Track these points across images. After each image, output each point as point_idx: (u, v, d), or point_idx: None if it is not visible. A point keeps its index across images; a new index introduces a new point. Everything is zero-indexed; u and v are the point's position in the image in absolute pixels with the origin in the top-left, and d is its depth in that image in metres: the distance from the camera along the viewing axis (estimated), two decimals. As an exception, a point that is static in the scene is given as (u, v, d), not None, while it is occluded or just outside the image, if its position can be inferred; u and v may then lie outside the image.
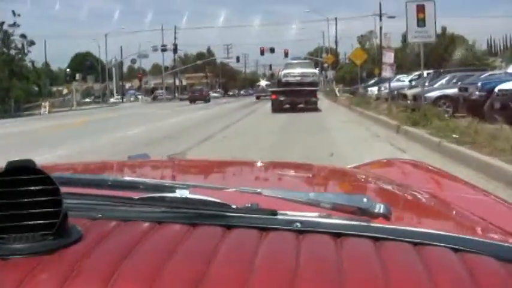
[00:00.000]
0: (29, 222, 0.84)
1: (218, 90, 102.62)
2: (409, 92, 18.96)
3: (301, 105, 27.14)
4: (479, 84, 13.78)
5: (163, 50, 68.41)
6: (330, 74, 52.28)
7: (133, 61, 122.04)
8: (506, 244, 0.94)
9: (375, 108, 20.71)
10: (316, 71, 31.28)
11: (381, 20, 46.53)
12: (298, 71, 29.30)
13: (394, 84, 22.75)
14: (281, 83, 29.35)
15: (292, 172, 2.05)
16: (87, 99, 77.32)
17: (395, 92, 20.80)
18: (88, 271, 0.80)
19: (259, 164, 2.19)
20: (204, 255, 0.83)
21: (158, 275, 0.78)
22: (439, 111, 13.75)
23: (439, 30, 61.69)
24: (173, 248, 0.86)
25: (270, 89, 36.85)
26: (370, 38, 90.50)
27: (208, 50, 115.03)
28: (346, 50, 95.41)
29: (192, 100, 54.37)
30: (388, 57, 18.64)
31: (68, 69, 78.44)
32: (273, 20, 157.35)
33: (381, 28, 44.12)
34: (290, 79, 28.86)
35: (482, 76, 16.28)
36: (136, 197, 1.05)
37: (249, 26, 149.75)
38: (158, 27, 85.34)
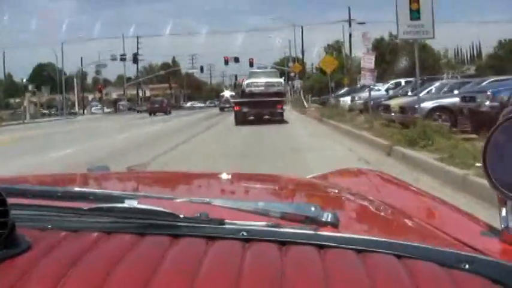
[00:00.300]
0: None
1: (182, 102, 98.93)
2: (394, 103, 16.00)
3: (266, 117, 25.24)
4: (489, 92, 10.93)
5: (123, 59, 64.04)
6: (297, 83, 49.30)
7: (98, 72, 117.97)
8: (448, 250, 0.92)
9: (351, 121, 17.81)
10: (282, 80, 28.48)
11: (350, 25, 44.01)
12: (262, 80, 26.70)
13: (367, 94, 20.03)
14: (245, 93, 27.29)
15: (244, 182, 2.04)
16: (45, 111, 73.58)
17: (372, 103, 17.78)
18: (36, 281, 0.81)
19: (213, 174, 2.28)
20: (151, 264, 0.84)
21: (105, 284, 0.79)
22: (441, 126, 10.85)
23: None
24: (120, 257, 0.87)
25: (233, 100, 33.88)
26: (337, 48, 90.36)
27: (173, 61, 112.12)
28: (313, 60, 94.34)
29: (151, 112, 51.05)
30: (368, 62, 15.82)
31: (24, 80, 73.87)
32: (239, 29, 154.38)
33: (350, 35, 41.43)
34: (254, 89, 26.46)
35: (484, 83, 13.47)
36: (86, 208, 1.05)
37: (214, 34, 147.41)
38: (120, 37, 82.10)
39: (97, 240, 0.94)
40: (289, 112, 30.97)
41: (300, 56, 72.17)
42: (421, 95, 13.90)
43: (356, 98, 24.36)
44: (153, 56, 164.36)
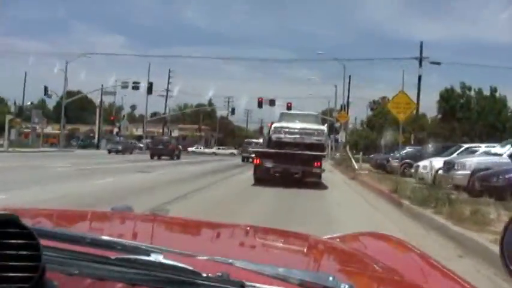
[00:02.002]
0: (7, 274, 0.90)
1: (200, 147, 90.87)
2: None
3: (296, 176, 18.19)
4: None
5: (135, 88, 55.47)
6: (342, 136, 40.50)
7: (133, 107, 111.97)
8: None
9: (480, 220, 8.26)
10: (324, 128, 20.34)
11: (420, 65, 35.21)
12: (297, 126, 18.74)
13: (480, 158, 11.85)
14: (271, 141, 19.49)
15: (266, 241, 2.03)
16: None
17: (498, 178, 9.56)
18: None
19: (237, 226, 2.25)
20: None
21: None
22: None
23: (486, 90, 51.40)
24: None
25: (253, 149, 25.86)
26: (381, 104, 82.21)
27: (210, 103, 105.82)
28: (356, 116, 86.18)
29: (154, 155, 41.33)
30: None
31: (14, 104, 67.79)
32: (281, 78, 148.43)
33: (419, 78, 32.89)
34: (284, 137, 18.82)
35: None
36: (113, 257, 1.08)
37: (255, 80, 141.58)
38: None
39: None
40: (330, 173, 22.76)
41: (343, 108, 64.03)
42: None
43: (456, 166, 15.04)
44: (190, 96, 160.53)
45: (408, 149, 27.76)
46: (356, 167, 27.00)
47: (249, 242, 1.98)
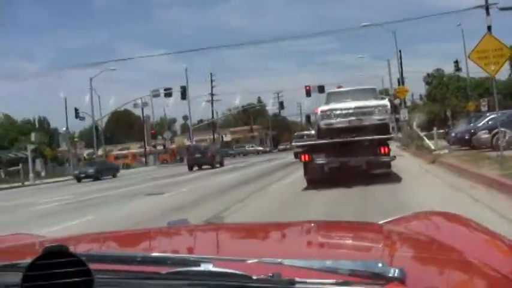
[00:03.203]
0: None
1: (254, 145, 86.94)
2: None
3: (360, 169, 14.11)
4: None
5: (167, 95, 50.96)
6: (404, 113, 35.37)
7: (185, 118, 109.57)
8: None
9: None
10: (387, 103, 15.64)
11: (488, 13, 29.55)
12: (351, 105, 14.41)
13: None
14: (321, 130, 15.07)
15: (315, 236, 2.02)
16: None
17: None
18: None
19: (286, 225, 2.24)
20: None
21: None
22: None
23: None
24: None
25: (297, 144, 21.39)
26: (437, 77, 76.94)
27: (259, 100, 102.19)
28: (412, 92, 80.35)
29: (192, 165, 36.42)
30: None
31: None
32: (329, 67, 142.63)
33: (489, 28, 27.41)
34: (336, 121, 14.32)
35: None
36: (164, 272, 1.10)
37: (303, 73, 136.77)
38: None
39: None
40: (401, 159, 18.05)
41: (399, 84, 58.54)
42: None
43: None
44: (241, 98, 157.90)
45: (492, 116, 22.66)
46: (432, 147, 22.15)
47: (297, 239, 1.93)
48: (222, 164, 38.10)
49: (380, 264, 1.06)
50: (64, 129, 69.67)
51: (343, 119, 14.18)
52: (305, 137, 35.42)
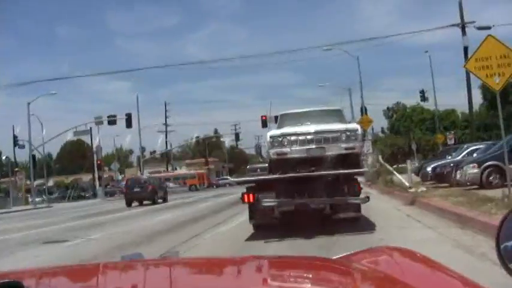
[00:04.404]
0: None
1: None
2: None
3: (322, 212, 10.63)
4: None
5: (111, 123, 45.76)
6: (368, 146, 32.03)
7: (143, 149, 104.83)
8: None
9: None
10: (358, 127, 12.13)
11: (464, 32, 25.76)
12: (309, 129, 11.01)
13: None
14: (271, 161, 11.73)
15: (269, 270, 1.92)
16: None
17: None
18: None
19: (247, 262, 2.14)
20: None
21: None
22: None
23: None
24: None
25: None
26: (397, 111, 75.87)
27: (216, 132, 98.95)
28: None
29: (131, 200, 31.85)
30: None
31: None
32: (291, 100, 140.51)
33: (465, 51, 24.05)
34: (290, 150, 10.93)
35: None
36: None
37: (261, 106, 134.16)
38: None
39: None
40: (372, 198, 14.27)
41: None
42: None
43: None
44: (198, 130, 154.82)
45: (472, 147, 19.59)
46: (406, 183, 18.79)
47: (251, 275, 1.89)
48: (165, 200, 33.88)
49: None
50: (4, 157, 64.84)
51: (299, 147, 10.70)
52: (258, 170, 31.55)
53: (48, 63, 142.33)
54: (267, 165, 20.04)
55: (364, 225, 10.59)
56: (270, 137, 11.05)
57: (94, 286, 1.56)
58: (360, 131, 11.15)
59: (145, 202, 31.86)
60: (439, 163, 20.70)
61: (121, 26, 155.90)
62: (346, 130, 10.84)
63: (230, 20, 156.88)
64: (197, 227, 14.21)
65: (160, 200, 32.93)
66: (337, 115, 12.60)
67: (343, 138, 10.67)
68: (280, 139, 10.85)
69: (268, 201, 10.33)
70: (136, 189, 32.28)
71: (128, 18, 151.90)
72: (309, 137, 10.68)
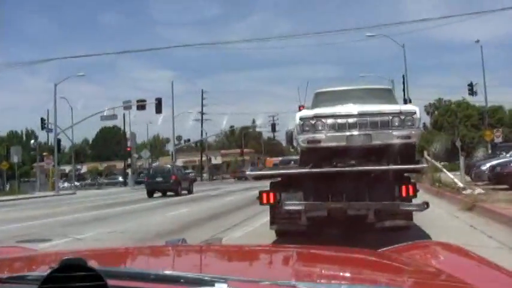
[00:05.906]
0: None
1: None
2: None
3: (364, 220, 7.84)
4: None
5: (141, 108, 43.80)
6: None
7: (179, 138, 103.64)
8: None
9: None
10: (417, 109, 9.35)
11: None
12: (351, 109, 8.45)
13: None
14: (302, 152, 9.10)
15: (325, 260, 1.96)
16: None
17: None
18: None
19: (295, 251, 2.14)
20: None
21: None
22: None
23: None
24: None
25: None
26: (438, 107, 72.72)
27: (253, 122, 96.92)
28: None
29: (152, 191, 29.87)
30: None
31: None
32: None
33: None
34: (325, 137, 8.22)
35: None
36: None
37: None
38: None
39: None
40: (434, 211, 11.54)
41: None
42: None
43: None
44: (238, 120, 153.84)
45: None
46: (459, 184, 15.97)
47: (302, 263, 1.91)
48: (190, 191, 31.53)
49: None
50: (32, 141, 63.92)
51: (337, 134, 8.14)
52: (292, 162, 28.76)
53: (91, 49, 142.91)
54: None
55: (415, 238, 7.93)
56: (300, 118, 8.48)
57: (146, 267, 1.61)
58: (418, 114, 8.47)
59: (168, 193, 29.67)
60: (498, 161, 17.84)
61: (165, 15, 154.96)
62: (401, 113, 8.20)
63: (274, 12, 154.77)
64: (219, 223, 11.88)
65: (184, 192, 30.65)
66: (387, 96, 9.95)
67: (396, 124, 8.09)
68: (312, 122, 8.33)
69: (293, 204, 7.79)
70: (158, 179, 30.14)
71: (172, 7, 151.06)
72: (350, 120, 8.12)
